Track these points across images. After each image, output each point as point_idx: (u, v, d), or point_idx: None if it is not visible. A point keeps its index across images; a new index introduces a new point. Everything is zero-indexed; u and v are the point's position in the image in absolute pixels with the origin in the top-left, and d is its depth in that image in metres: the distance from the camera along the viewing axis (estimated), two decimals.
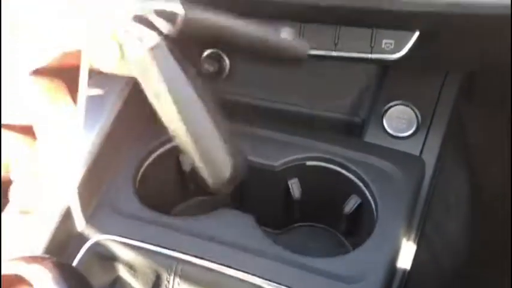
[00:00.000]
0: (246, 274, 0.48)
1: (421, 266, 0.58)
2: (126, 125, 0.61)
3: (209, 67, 0.71)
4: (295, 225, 0.67)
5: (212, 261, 0.49)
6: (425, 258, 0.62)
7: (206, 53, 0.72)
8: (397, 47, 0.52)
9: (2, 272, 0.28)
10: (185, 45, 0.71)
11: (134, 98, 0.56)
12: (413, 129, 0.61)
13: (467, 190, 0.77)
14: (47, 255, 0.29)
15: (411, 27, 0.51)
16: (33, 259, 0.29)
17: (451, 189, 0.75)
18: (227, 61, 0.71)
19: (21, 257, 0.29)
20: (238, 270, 0.48)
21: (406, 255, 0.54)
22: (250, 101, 0.71)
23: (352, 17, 0.51)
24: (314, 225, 0.67)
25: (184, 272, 0.48)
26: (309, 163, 0.60)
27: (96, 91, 0.57)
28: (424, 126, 0.61)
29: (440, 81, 0.63)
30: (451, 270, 0.72)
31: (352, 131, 0.66)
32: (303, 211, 0.64)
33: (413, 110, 0.61)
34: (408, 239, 0.55)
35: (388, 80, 0.64)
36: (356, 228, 0.61)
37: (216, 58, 0.71)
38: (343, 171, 0.59)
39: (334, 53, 0.54)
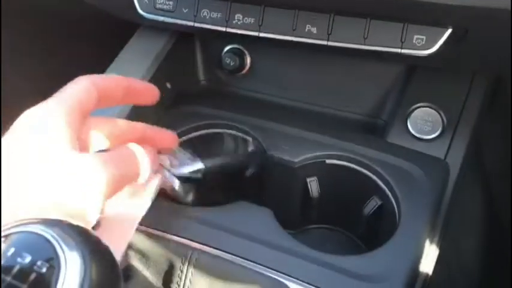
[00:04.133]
0: (261, 266, 0.46)
1: (435, 284, 0.55)
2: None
3: (230, 62, 0.70)
4: (311, 226, 0.65)
5: (228, 252, 0.47)
6: (440, 275, 0.59)
7: (228, 47, 0.71)
8: (428, 44, 0.51)
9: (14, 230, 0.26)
10: (207, 40, 0.71)
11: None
12: (439, 132, 0.59)
13: (483, 210, 0.75)
14: (62, 219, 0.28)
15: (444, 23, 0.50)
16: (52, 221, 0.27)
17: (468, 206, 0.72)
18: (248, 57, 0.70)
19: (37, 218, 0.27)
20: (254, 262, 0.46)
21: (429, 260, 0.52)
22: (271, 99, 0.70)
23: (384, 9, 0.50)
24: (330, 228, 0.65)
25: (199, 261, 0.46)
26: (328, 161, 0.58)
27: None
28: (449, 129, 0.59)
29: (467, 84, 0.61)
30: None
31: (374, 132, 0.65)
32: (320, 211, 0.63)
33: (438, 113, 0.60)
34: (431, 243, 0.53)
35: (413, 82, 0.62)
36: (374, 231, 0.59)
37: (237, 53, 0.70)
38: (364, 171, 0.57)
39: (363, 47, 0.53)
